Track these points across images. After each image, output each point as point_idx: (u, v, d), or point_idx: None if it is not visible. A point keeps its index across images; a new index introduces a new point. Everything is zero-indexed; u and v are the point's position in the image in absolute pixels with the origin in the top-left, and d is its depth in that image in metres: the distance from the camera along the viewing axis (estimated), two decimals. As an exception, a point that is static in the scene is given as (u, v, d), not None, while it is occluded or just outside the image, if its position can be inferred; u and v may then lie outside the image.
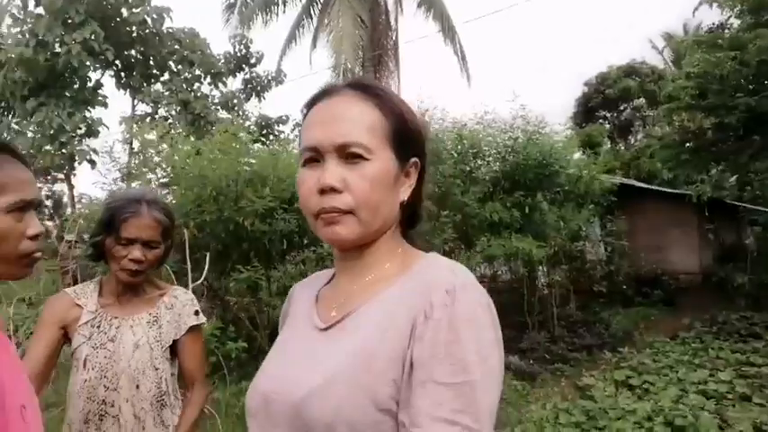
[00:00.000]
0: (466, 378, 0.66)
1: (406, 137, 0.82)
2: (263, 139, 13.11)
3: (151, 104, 11.55)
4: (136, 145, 7.12)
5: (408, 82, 25.09)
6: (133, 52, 11.72)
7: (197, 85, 13.23)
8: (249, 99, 15.30)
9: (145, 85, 11.77)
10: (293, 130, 14.37)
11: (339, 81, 0.91)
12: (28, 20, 10.21)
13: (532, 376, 5.44)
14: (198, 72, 12.53)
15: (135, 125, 8.08)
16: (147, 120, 10.54)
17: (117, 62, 11.51)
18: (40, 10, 10.24)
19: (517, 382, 5.16)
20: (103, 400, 1.49)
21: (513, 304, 7.82)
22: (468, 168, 6.43)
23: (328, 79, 16.86)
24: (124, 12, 10.92)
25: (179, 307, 1.63)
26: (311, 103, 0.84)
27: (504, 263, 7.51)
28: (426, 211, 0.93)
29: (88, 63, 10.11)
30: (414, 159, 0.84)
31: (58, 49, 9.81)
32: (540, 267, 7.17)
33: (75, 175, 11.23)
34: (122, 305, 1.61)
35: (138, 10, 10.95)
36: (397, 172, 0.81)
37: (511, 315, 7.40)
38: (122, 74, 11.83)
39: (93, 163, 9.95)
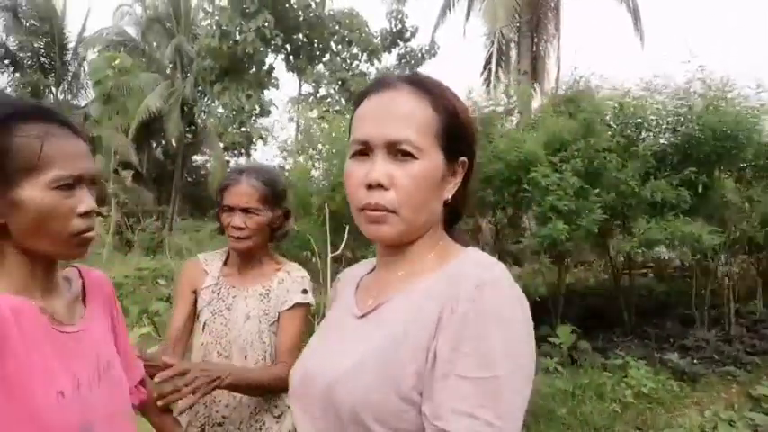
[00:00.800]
0: (490, 374, 0.66)
1: (457, 136, 0.81)
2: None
3: (313, 84, 12.45)
4: (301, 123, 7.80)
5: (570, 44, 23.06)
6: (300, 36, 12.72)
7: (355, 63, 13.89)
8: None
9: (309, 66, 12.70)
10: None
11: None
12: (215, 13, 11.68)
13: (694, 378, 4.78)
14: (355, 50, 13.14)
15: (299, 105, 8.80)
16: (310, 99, 11.40)
17: (287, 46, 12.60)
18: (224, 2, 11.62)
19: (674, 382, 4.59)
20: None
21: (680, 295, 6.93)
22: (627, 141, 5.75)
23: (483, 49, 16.42)
24: (292, -1, 11.89)
25: (288, 283, 1.65)
26: (365, 95, 0.84)
27: (671, 249, 6.64)
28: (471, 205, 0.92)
29: (262, 49, 11.21)
30: (462, 159, 0.83)
31: (237, 38, 11.06)
32: (717, 256, 6.19)
33: (255, 150, 12.72)
34: (241, 276, 1.65)
35: (304, -5, 11.83)
36: (444, 171, 0.80)
37: (675, 307, 6.58)
38: (291, 57, 12.95)
39: (264, 140, 11.15)
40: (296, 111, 8.21)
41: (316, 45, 12.79)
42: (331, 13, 12.58)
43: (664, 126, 5.96)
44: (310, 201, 5.21)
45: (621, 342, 5.58)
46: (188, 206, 18.12)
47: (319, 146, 6.45)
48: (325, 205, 4.01)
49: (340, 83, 12.05)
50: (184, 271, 1.74)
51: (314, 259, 4.61)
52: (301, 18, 12.21)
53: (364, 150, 0.79)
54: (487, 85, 15.17)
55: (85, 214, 0.89)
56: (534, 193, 5.36)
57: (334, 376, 0.76)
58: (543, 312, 6.21)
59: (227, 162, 15.96)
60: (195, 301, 1.67)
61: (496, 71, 15.50)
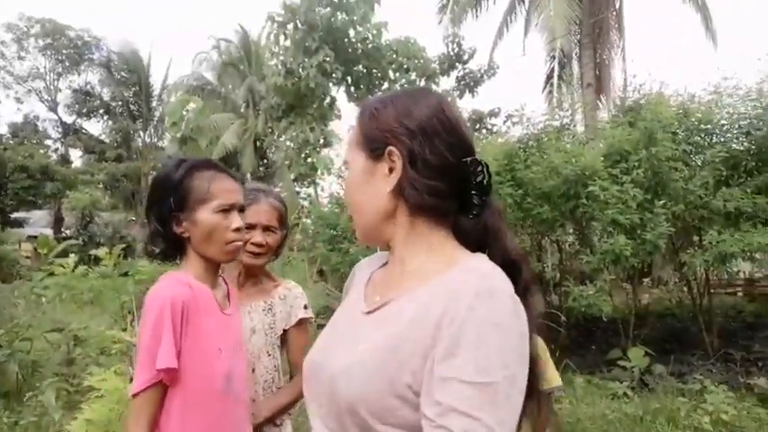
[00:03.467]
0: (488, 379, 0.68)
1: (373, 132, 0.87)
2: (475, 134, 13.28)
3: (372, 113, 12.76)
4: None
5: (637, 51, 22.01)
6: (359, 67, 13.16)
7: (414, 88, 14.10)
8: (463, 95, 15.65)
9: (369, 95, 13.08)
10: (505, 121, 14.16)
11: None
12: (280, 53, 12.37)
13: (786, 405, 4.32)
14: (413, 77, 13.35)
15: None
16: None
17: (347, 78, 13.07)
18: (288, 42, 12.29)
19: (761, 409, 4.18)
20: None
21: (772, 313, 6.32)
22: (693, 149, 5.41)
23: (543, 65, 16.12)
24: (351, 33, 12.34)
25: (291, 299, 1.70)
26: None
27: (758, 266, 6.10)
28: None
29: (323, 83, 11.70)
30: (389, 148, 0.83)
31: (301, 74, 11.63)
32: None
33: (323, 179, 13.14)
34: (242, 291, 1.67)
35: (361, 29, 12.24)
36: (370, 166, 0.87)
37: (765, 328, 6.00)
38: (351, 88, 13.40)
39: (328, 170, 11.53)
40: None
41: (374, 75, 13.14)
42: (387, 42, 12.91)
43: (735, 130, 5.55)
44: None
45: (701, 366, 5.14)
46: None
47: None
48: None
49: (398, 109, 12.26)
50: None
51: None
52: (359, 50, 12.63)
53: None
54: (550, 101, 14.83)
55: (236, 230, 1.31)
56: (593, 208, 5.16)
57: (336, 370, 0.80)
58: (612, 334, 5.89)
59: (297, 192, 16.63)
60: None
61: (558, 86, 15.13)
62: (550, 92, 15.60)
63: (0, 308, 6.78)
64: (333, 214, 7.11)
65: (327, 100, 12.54)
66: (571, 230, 6.41)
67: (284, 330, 1.69)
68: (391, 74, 13.13)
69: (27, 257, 14.02)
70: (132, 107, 28.44)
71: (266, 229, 1.64)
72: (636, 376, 4.74)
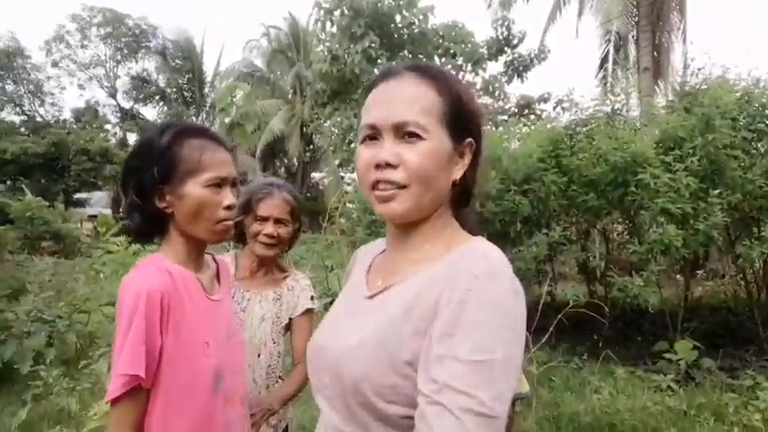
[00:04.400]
0: (485, 357, 0.69)
1: (462, 118, 0.84)
2: (523, 119, 12.99)
3: (416, 98, 12.69)
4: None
5: (697, 34, 20.80)
6: (405, 53, 13.09)
7: (461, 74, 13.91)
8: (511, 80, 15.30)
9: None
10: (555, 107, 13.77)
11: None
12: (326, 39, 12.48)
13: None
14: (459, 62, 13.18)
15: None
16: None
17: (393, 64, 13.06)
18: (334, 29, 12.38)
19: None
20: None
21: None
22: (755, 136, 5.10)
23: (597, 49, 15.50)
24: (397, 18, 12.28)
25: (298, 290, 1.78)
26: (373, 85, 0.89)
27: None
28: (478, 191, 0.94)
29: (367, 69, 11.72)
30: (469, 140, 0.85)
31: (346, 60, 11.70)
32: None
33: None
34: (254, 280, 1.76)
35: (408, 14, 12.17)
36: (451, 151, 0.83)
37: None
38: (397, 73, 13.34)
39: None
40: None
41: (420, 60, 13.05)
42: (434, 27, 12.77)
43: (803, 115, 5.18)
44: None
45: (756, 362, 4.91)
46: (306, 219, 19.31)
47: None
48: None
49: (443, 95, 12.14)
50: None
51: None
52: (405, 36, 12.56)
53: (373, 135, 0.84)
54: (603, 86, 14.29)
55: (228, 207, 1.16)
56: (643, 196, 4.97)
57: (340, 351, 0.83)
58: (660, 327, 5.68)
59: (342, 178, 16.79)
60: None
61: (613, 70, 14.54)
62: (604, 76, 15.01)
63: (62, 282, 7.29)
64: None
65: (373, 86, 12.56)
66: (619, 219, 6.20)
67: (290, 319, 1.77)
68: (437, 59, 13.00)
69: (87, 236, 14.84)
70: (186, 93, 29.44)
71: (278, 221, 1.70)
72: (682, 370, 4.57)
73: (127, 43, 29.17)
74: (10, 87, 26.91)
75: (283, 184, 1.80)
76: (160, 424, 1.07)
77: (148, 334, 1.03)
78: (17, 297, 6.60)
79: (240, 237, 1.76)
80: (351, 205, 9.28)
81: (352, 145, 12.21)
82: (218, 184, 1.16)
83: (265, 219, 1.69)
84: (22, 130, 26.29)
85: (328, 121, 12.39)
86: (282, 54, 23.43)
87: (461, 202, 0.90)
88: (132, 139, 29.66)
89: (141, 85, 30.12)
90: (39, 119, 27.94)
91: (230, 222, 1.19)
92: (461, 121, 0.84)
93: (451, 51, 13.07)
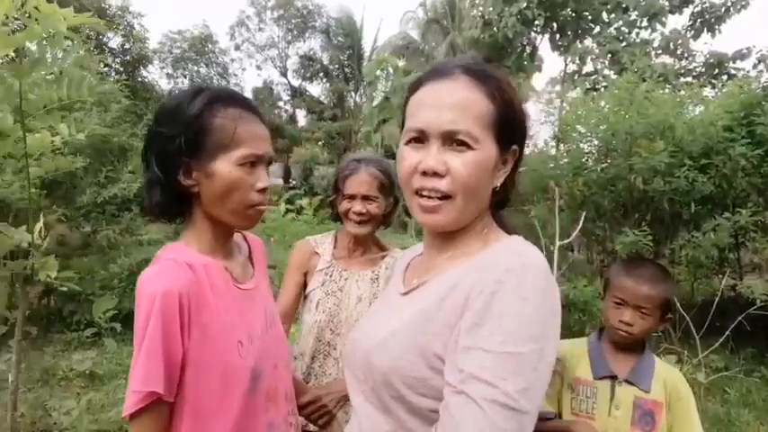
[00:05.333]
0: (513, 349, 0.68)
1: (510, 125, 0.83)
2: (713, 81, 11.04)
3: (577, 61, 11.53)
4: (564, 105, 7.36)
5: None
6: (568, 11, 11.92)
7: (635, 31, 12.26)
8: (699, 36, 13.04)
9: (576, 42, 11.81)
10: (756, 65, 11.43)
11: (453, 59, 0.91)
12: (479, 3, 11.92)
13: None
14: (633, 16, 11.57)
15: (559, 85, 8.32)
16: (575, 77, 10.62)
17: (553, 25, 11.99)
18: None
19: None
20: (328, 342, 1.65)
21: None
22: None
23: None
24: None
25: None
26: (421, 83, 0.86)
27: None
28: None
29: (521, 32, 10.94)
30: (514, 147, 0.85)
31: (498, 25, 11.06)
32: None
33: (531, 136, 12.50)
34: (352, 260, 1.74)
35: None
36: (497, 160, 0.83)
37: None
38: (556, 36, 12.26)
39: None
40: (556, 91, 7.70)
41: (584, 18, 11.78)
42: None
43: None
44: (546, 184, 4.89)
45: None
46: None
47: (579, 127, 5.99)
48: (555, 189, 3.71)
49: (610, 55, 10.82)
50: (295, 253, 1.81)
51: (551, 247, 4.34)
52: (569, -8, 11.42)
53: (420, 138, 0.82)
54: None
55: (262, 190, 1.01)
56: None
57: (372, 344, 0.84)
58: None
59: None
60: (302, 282, 1.77)
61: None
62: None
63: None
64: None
65: (527, 51, 11.72)
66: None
67: None
68: (605, 15, 11.59)
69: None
70: (346, 70, 30.92)
71: (366, 198, 1.64)
72: None
73: (296, 24, 31.42)
74: (203, 70, 30.90)
75: (372, 159, 1.72)
76: (194, 425, 0.94)
77: (166, 343, 0.89)
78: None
79: (338, 215, 1.74)
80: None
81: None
82: (253, 162, 1.00)
83: (353, 196, 1.66)
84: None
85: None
86: (437, 24, 23.14)
87: (500, 205, 0.91)
88: (300, 115, 32.24)
89: (308, 63, 32.35)
90: (225, 98, 31.68)
91: (263, 207, 1.03)
92: (509, 128, 0.83)
93: (623, 5, 11.52)
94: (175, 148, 0.96)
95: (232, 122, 0.98)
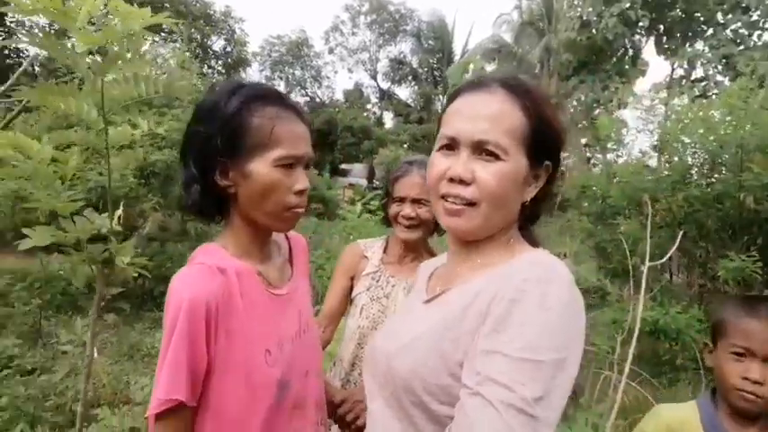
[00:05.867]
0: (533, 356, 0.67)
1: (544, 142, 0.83)
2: None
3: (686, 66, 10.57)
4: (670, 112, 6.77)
5: None
6: (677, 12, 10.98)
7: (756, 33, 11.03)
8: (836, 37, 11.45)
9: (685, 46, 10.84)
10: None
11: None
12: (578, 4, 11.30)
13: None
14: (754, 17, 10.40)
15: (663, 91, 7.67)
16: (683, 83, 9.74)
17: (659, 27, 11.11)
18: (589, -7, 11.09)
19: None
20: None
21: None
22: None
23: None
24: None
25: None
26: (458, 93, 0.88)
27: None
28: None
29: (623, 34, 10.23)
30: (546, 163, 0.85)
31: (597, 26, 10.41)
32: None
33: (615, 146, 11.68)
34: (400, 266, 1.67)
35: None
36: (527, 174, 0.83)
37: None
38: (663, 38, 11.33)
39: (612, 136, 10.16)
40: (659, 98, 7.07)
41: (696, 19, 10.79)
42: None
43: None
44: (639, 198, 4.45)
45: None
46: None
47: (683, 137, 5.45)
48: (646, 203, 3.35)
49: (724, 60, 9.81)
50: (344, 255, 1.77)
51: (641, 266, 3.96)
52: (680, -9, 10.51)
53: (451, 145, 0.84)
54: None
55: (299, 192, 0.98)
56: None
57: (394, 349, 0.84)
58: None
59: (588, 159, 15.32)
60: (349, 285, 1.72)
61: None
62: None
63: (320, 238, 8.51)
64: (602, 182, 6.19)
65: (630, 54, 10.93)
66: None
67: None
68: (720, 16, 10.52)
69: (346, 201, 17.11)
70: (435, 73, 30.85)
71: (416, 201, 1.58)
72: None
73: (388, 28, 31.89)
74: (298, 73, 32.24)
75: (422, 161, 1.63)
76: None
77: (191, 351, 0.88)
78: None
79: (387, 220, 1.68)
80: (596, 189, 8.36)
81: (596, 122, 10.93)
82: (291, 164, 0.96)
83: (402, 199, 1.60)
84: (305, 109, 31.34)
85: (572, 96, 11.29)
86: (533, 26, 22.33)
87: (530, 220, 0.91)
88: (387, 117, 32.60)
89: (398, 66, 32.69)
90: (317, 100, 32.93)
91: (300, 210, 0.99)
92: (543, 144, 0.83)
93: (743, 5, 10.39)
94: (212, 148, 0.94)
95: (269, 122, 0.94)
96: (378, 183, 24.72)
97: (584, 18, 10.49)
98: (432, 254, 1.70)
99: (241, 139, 0.94)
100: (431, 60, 30.90)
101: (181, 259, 5.65)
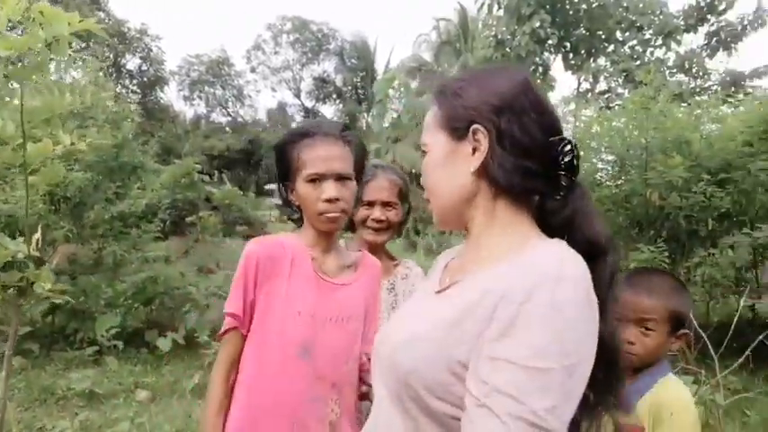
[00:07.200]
0: (542, 365, 0.64)
1: (454, 114, 0.83)
2: (729, 99, 10.89)
3: (590, 80, 11.48)
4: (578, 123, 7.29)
5: None
6: (581, 30, 11.92)
7: (649, 50, 12.20)
8: (714, 54, 12.93)
9: (589, 61, 11.78)
10: (774, 82, 11.26)
11: None
12: (492, 24, 11.97)
13: None
14: (647, 35, 11.52)
15: (573, 102, 8.25)
16: (588, 96, 10.55)
17: (566, 44, 11.99)
18: (501, 12, 11.80)
19: None
20: None
21: None
22: None
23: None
24: (572, -7, 11.20)
25: (412, 278, 1.68)
26: None
27: None
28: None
29: (534, 50, 10.94)
30: (473, 127, 0.80)
31: (511, 44, 11.08)
32: None
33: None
34: None
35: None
36: (451, 148, 0.83)
37: None
38: (570, 55, 12.24)
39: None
40: (569, 109, 7.62)
41: (598, 37, 11.77)
42: (616, -1, 11.39)
43: None
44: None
45: None
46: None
47: (592, 143, 5.89)
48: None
49: (624, 74, 10.75)
50: None
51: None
52: (581, 12, 11.42)
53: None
54: None
55: (327, 200, 1.22)
56: None
57: (398, 341, 0.82)
58: None
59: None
60: None
61: None
62: None
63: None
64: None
65: (540, 70, 11.70)
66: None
67: None
68: (619, 34, 11.56)
69: (273, 222, 16.81)
70: (359, 91, 31.29)
71: (386, 204, 1.61)
72: None
73: (311, 47, 32.01)
74: (219, 92, 31.49)
75: (388, 166, 1.71)
76: (250, 374, 1.22)
77: (244, 285, 1.21)
78: (210, 273, 7.58)
79: (350, 224, 1.66)
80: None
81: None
82: (315, 179, 1.23)
83: (371, 203, 1.62)
84: (227, 129, 30.62)
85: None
86: (450, 45, 23.34)
87: (525, 190, 0.81)
88: (313, 135, 32.47)
89: (321, 85, 32.83)
90: (239, 119, 32.27)
91: (334, 214, 1.24)
92: (456, 114, 0.83)
93: (637, 24, 11.49)
94: (280, 177, 1.31)
95: (297, 151, 1.25)
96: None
97: (499, 37, 11.11)
98: (389, 255, 1.74)
99: (287, 167, 1.27)
100: (354, 79, 31.31)
101: (96, 290, 5.27)
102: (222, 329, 1.24)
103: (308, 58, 32.56)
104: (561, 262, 0.70)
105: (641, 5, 11.80)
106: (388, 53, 55.99)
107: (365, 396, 1.34)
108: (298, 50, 32.50)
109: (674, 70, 12.40)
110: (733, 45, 13.12)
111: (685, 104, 7.42)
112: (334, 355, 1.24)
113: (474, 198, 0.83)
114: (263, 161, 26.22)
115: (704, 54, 12.93)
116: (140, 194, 5.60)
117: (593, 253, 0.75)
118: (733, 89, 12.67)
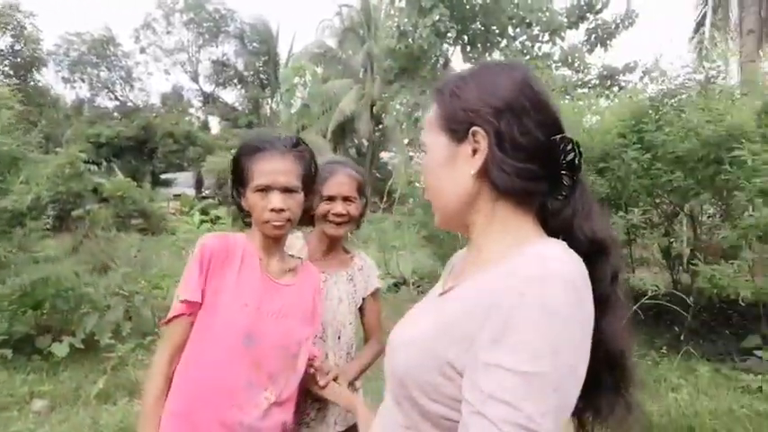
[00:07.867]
0: (535, 369, 0.64)
1: (453, 115, 0.83)
2: (607, 93, 12.08)
3: (487, 72, 12.15)
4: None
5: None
6: (477, 25, 12.55)
7: (537, 45, 13.14)
8: (593, 50, 14.24)
9: (485, 54, 12.45)
10: (642, 78, 12.67)
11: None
12: (394, 14, 12.20)
13: None
14: (535, 31, 12.42)
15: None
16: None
17: (463, 37, 12.56)
18: (403, 3, 12.07)
19: None
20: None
21: None
22: None
23: (693, 10, 14.03)
24: (468, -12, 11.75)
25: (367, 269, 1.77)
26: None
27: None
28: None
29: (436, 43, 11.36)
30: (473, 129, 0.80)
31: (414, 36, 11.39)
32: None
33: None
34: (326, 262, 1.71)
35: (479, -18, 11.61)
36: (452, 150, 0.83)
37: None
38: (467, 48, 12.86)
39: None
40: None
41: (492, 32, 12.46)
42: (508, -5, 12.11)
43: None
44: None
45: None
46: (376, 200, 19.40)
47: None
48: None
49: (515, 68, 11.51)
50: None
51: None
52: (477, 7, 12.01)
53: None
54: (699, 52, 12.95)
55: (272, 210, 1.34)
56: (738, 175, 4.41)
57: (396, 344, 0.85)
58: (752, 320, 5.10)
59: (411, 158, 16.60)
60: None
61: (710, 34, 13.10)
62: (699, 41, 13.59)
63: (147, 258, 7.75)
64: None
65: (441, 61, 12.18)
66: (710, 200, 5.58)
67: (362, 299, 1.76)
68: (510, 30, 12.34)
69: (173, 214, 15.80)
70: (262, 76, 30.33)
71: (346, 199, 1.67)
72: (778, 371, 4.06)
73: (208, 28, 30.40)
74: (104, 74, 28.99)
75: (346, 161, 1.76)
76: (191, 357, 1.29)
77: (199, 274, 1.30)
78: (105, 271, 7.08)
79: (309, 218, 1.69)
80: (419, 185, 9.14)
81: (419, 124, 11.95)
82: (263, 189, 1.34)
83: (332, 198, 1.65)
84: (115, 114, 28.31)
85: (395, 99, 12.18)
86: (354, 32, 23.37)
87: (526, 192, 0.80)
88: (213, 122, 31.07)
89: (221, 69, 31.37)
90: (129, 104, 29.97)
91: (278, 222, 1.36)
92: (455, 115, 0.82)
93: (527, 21, 12.32)
94: (234, 183, 1.43)
95: (248, 162, 1.37)
96: (208, 192, 23.45)
97: (402, 28, 11.38)
98: (344, 249, 1.80)
99: (240, 176, 1.39)
100: (257, 63, 30.27)
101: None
102: (169, 316, 1.30)
103: (206, 39, 30.92)
104: (543, 261, 0.70)
105: (530, 2, 12.66)
106: (291, 38, 54.69)
107: (317, 396, 1.49)
108: (193, 31, 30.73)
109: (559, 64, 13.47)
110: (608, 41, 14.52)
111: (569, 97, 8.18)
112: (273, 347, 1.34)
113: (475, 200, 0.82)
114: (159, 149, 24.62)
115: (585, 49, 14.18)
116: (25, 189, 5.11)
117: (594, 251, 0.76)
118: (609, 83, 14.11)
